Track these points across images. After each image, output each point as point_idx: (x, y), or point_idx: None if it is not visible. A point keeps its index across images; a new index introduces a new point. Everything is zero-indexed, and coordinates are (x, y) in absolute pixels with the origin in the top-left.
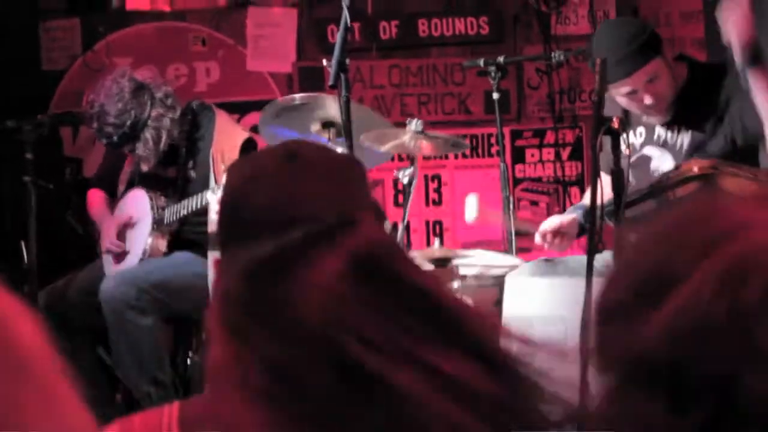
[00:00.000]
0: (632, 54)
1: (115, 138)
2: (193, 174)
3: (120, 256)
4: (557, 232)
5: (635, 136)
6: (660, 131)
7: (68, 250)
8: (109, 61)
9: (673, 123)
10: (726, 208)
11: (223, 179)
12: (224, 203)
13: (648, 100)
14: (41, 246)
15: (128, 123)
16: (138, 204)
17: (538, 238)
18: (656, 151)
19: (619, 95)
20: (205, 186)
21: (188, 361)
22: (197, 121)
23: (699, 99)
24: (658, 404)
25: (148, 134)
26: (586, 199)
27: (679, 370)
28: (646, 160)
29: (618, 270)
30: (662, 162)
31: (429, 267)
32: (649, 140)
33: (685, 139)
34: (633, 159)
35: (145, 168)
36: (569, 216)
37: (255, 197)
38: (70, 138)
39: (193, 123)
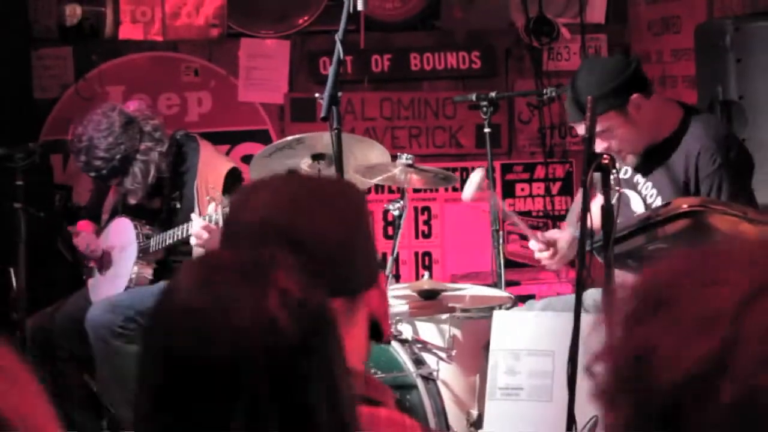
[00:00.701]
0: (582, 104)
1: (104, 172)
2: (178, 205)
3: (103, 270)
4: (551, 245)
5: (622, 172)
6: (639, 179)
7: (57, 277)
8: (101, 90)
9: (649, 171)
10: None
11: (210, 208)
12: (226, 216)
13: (598, 148)
14: (30, 273)
15: (118, 157)
16: (123, 232)
17: (533, 244)
18: (633, 194)
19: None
20: (189, 217)
21: None
22: (182, 152)
23: (674, 153)
24: None
25: (136, 168)
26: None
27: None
28: (626, 198)
29: (638, 306)
30: (637, 206)
31: (418, 299)
32: (629, 181)
33: (654, 194)
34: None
35: (132, 201)
36: (569, 235)
37: (253, 203)
38: (61, 165)
39: (177, 154)
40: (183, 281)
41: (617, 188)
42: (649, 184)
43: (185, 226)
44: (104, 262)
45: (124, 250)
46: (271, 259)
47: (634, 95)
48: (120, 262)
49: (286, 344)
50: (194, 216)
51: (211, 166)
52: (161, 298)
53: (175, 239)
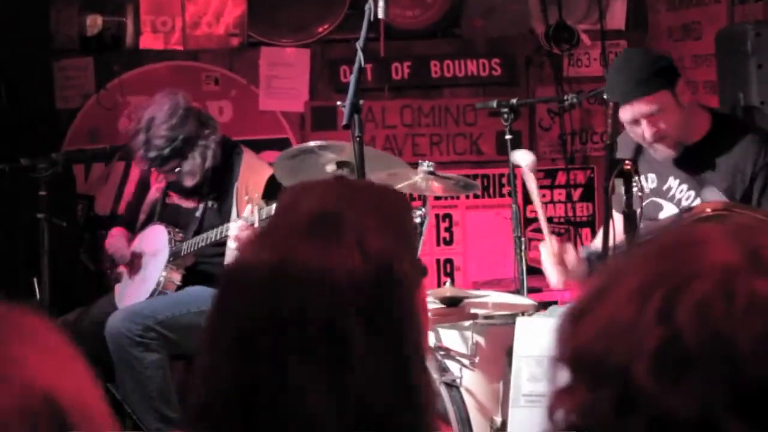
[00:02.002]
0: (637, 81)
1: (165, 152)
2: (216, 205)
3: (135, 275)
4: (561, 258)
5: (646, 182)
6: (672, 183)
7: (80, 287)
8: (122, 100)
9: (684, 176)
10: (684, 229)
11: (247, 210)
12: (275, 214)
13: (647, 132)
14: (53, 283)
15: (181, 137)
16: (156, 238)
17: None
18: (664, 202)
19: (625, 122)
20: (226, 219)
21: None
22: (226, 153)
23: (714, 156)
24: (583, 391)
25: (196, 152)
26: (596, 243)
27: (597, 361)
28: (657, 207)
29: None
30: (668, 214)
31: (440, 306)
32: (658, 190)
33: (691, 196)
34: (643, 204)
35: (189, 183)
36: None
37: (303, 203)
38: (83, 175)
39: (222, 154)
40: (248, 248)
41: (640, 194)
42: (684, 186)
43: (219, 229)
44: (134, 266)
45: (155, 255)
46: (340, 215)
47: (680, 80)
48: (149, 267)
49: (354, 298)
50: (232, 220)
51: (253, 170)
52: (232, 264)
53: (208, 242)
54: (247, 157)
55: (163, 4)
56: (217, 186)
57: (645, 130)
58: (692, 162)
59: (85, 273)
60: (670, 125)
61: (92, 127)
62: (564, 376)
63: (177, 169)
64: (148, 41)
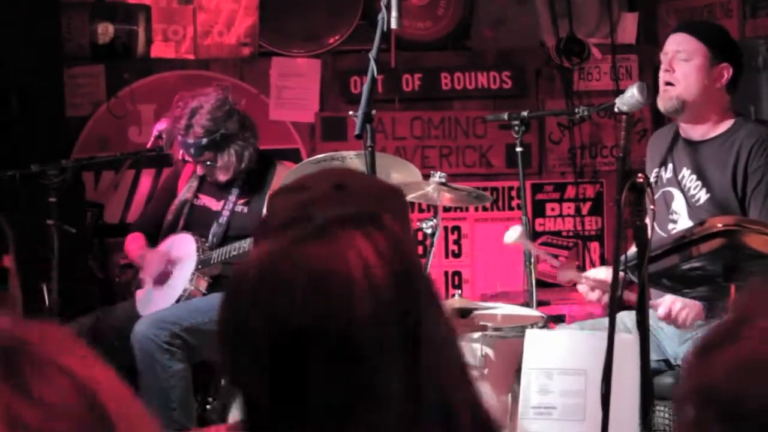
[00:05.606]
0: (699, 24)
1: (203, 141)
2: (244, 209)
3: (160, 282)
4: (599, 286)
5: (664, 171)
6: (684, 172)
7: (89, 293)
8: (132, 108)
9: (695, 167)
10: None
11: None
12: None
13: (663, 67)
14: (61, 289)
15: (221, 131)
16: (184, 246)
17: (582, 287)
18: (676, 191)
19: (662, 52)
20: (255, 222)
21: (207, 406)
22: (262, 163)
23: (724, 153)
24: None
25: (233, 150)
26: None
27: (731, 400)
28: (669, 197)
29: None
30: (679, 204)
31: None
32: (673, 180)
33: (702, 196)
34: (657, 195)
35: (221, 178)
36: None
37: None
38: (92, 183)
39: (258, 165)
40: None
41: (651, 207)
42: (694, 176)
43: (251, 239)
44: (159, 273)
45: (181, 262)
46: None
47: (727, 64)
48: (175, 274)
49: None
50: None
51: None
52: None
53: (240, 251)
54: (282, 169)
55: (175, 13)
56: (250, 190)
57: (665, 66)
58: (707, 153)
59: (92, 279)
60: (683, 78)
61: (102, 135)
62: (689, 413)
63: (210, 162)
64: (159, 50)
